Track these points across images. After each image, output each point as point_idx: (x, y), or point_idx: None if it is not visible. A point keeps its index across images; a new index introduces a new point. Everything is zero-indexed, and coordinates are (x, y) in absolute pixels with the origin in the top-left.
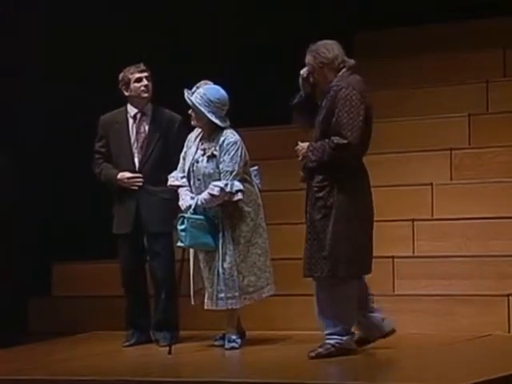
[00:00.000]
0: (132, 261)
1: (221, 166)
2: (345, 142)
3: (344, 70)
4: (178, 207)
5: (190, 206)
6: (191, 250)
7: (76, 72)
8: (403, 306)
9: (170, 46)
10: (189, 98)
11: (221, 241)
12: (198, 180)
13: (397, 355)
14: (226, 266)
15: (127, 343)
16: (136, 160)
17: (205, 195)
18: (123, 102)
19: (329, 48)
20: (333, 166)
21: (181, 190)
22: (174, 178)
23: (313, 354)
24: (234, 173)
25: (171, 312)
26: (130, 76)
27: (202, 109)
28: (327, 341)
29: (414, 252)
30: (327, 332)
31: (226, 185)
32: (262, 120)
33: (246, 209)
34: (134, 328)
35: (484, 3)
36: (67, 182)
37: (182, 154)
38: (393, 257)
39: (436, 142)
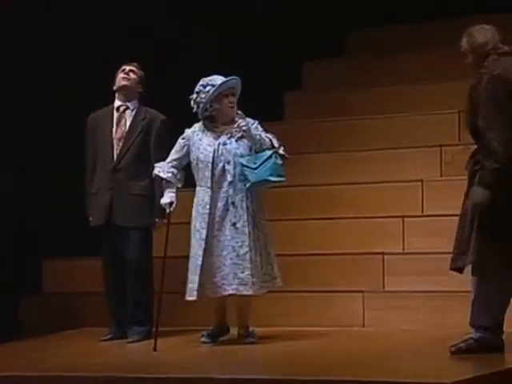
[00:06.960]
0: (106, 255)
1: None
2: (496, 166)
3: (492, 56)
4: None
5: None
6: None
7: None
8: (393, 303)
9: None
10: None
11: (250, 225)
12: (228, 163)
13: (387, 351)
14: (256, 252)
15: (105, 337)
16: (115, 152)
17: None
18: None
19: (481, 32)
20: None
21: (167, 190)
22: (161, 169)
23: (453, 349)
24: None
25: (143, 308)
26: (119, 70)
27: None
28: (471, 335)
29: (404, 248)
30: (475, 326)
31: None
32: (262, 116)
33: (261, 198)
34: (115, 323)
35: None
36: (57, 178)
37: (183, 150)
38: (383, 253)
39: (426, 138)
